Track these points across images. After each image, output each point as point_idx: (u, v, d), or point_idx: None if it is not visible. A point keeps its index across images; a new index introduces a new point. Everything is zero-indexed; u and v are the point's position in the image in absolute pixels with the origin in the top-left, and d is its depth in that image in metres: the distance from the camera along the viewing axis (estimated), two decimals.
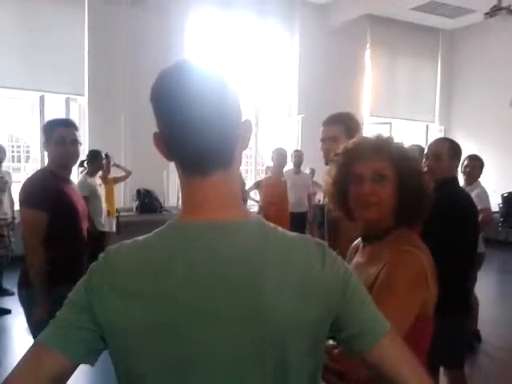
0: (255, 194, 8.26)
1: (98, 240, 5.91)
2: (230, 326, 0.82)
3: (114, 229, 6.46)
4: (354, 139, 1.54)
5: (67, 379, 0.87)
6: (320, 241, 0.91)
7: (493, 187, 9.37)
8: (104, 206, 5.88)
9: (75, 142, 2.64)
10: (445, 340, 2.28)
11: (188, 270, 0.82)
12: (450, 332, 2.36)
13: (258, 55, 9.16)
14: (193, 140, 0.84)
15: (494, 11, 6.92)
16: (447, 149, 2.81)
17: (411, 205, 1.41)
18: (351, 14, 9.04)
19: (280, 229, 0.90)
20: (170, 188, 7.99)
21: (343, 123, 2.35)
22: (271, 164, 8.61)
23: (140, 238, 0.88)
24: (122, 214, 7.12)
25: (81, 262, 2.69)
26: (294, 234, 0.91)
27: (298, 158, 7.13)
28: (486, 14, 7.06)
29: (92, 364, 0.88)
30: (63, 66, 7.48)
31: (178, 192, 7.87)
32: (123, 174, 6.86)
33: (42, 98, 7.47)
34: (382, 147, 1.43)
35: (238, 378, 0.83)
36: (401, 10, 9.46)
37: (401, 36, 10.24)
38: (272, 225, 0.90)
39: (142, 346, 0.82)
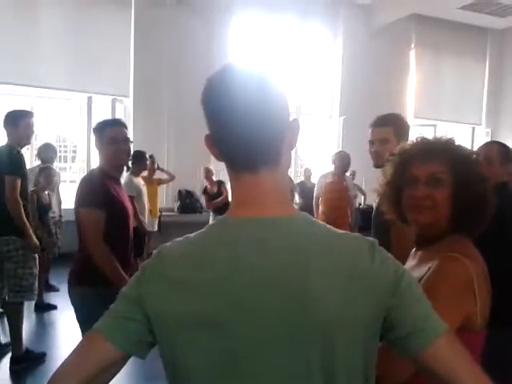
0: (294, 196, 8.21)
1: (141, 239, 6.03)
2: (272, 323, 0.81)
3: (156, 228, 6.59)
4: (413, 140, 1.48)
5: (116, 370, 0.89)
6: (370, 238, 0.89)
7: None
8: (147, 205, 6.00)
9: (127, 141, 2.69)
10: (492, 353, 2.17)
11: (232, 263, 0.83)
12: (498, 344, 2.25)
13: (300, 56, 9.13)
14: (238, 139, 0.87)
15: None
16: (497, 152, 2.71)
17: (468, 212, 1.33)
18: (396, 14, 8.88)
19: (328, 226, 0.90)
20: None
21: (393, 125, 2.31)
22: (308, 166, 8.58)
23: (192, 234, 0.92)
24: (163, 213, 7.25)
25: (129, 261, 2.74)
26: (342, 231, 0.90)
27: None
28: None
29: (142, 357, 0.90)
30: (110, 68, 7.69)
31: None
32: (167, 176, 6.98)
33: (89, 99, 7.69)
34: (442, 150, 1.37)
35: (283, 381, 0.82)
36: (447, 10, 9.22)
37: (447, 36, 9.96)
38: (320, 222, 0.90)
39: (187, 339, 0.84)
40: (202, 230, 0.91)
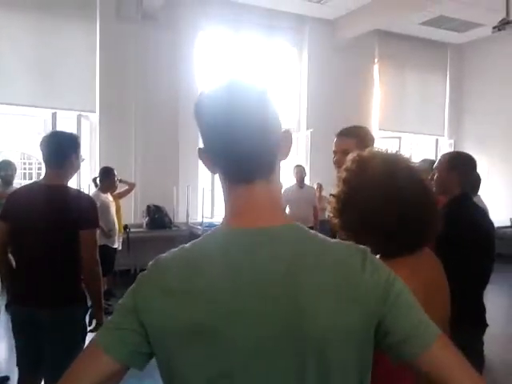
0: None
1: (110, 256, 5.93)
2: (264, 335, 0.82)
3: (120, 246, 6.47)
4: (365, 151, 1.46)
5: (116, 382, 0.89)
6: (362, 246, 0.91)
7: (504, 201, 9.30)
8: (116, 222, 5.91)
9: None
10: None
11: (227, 272, 0.85)
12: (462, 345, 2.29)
13: (267, 70, 9.22)
14: (237, 152, 0.88)
15: (503, 25, 6.90)
16: (445, 162, 2.75)
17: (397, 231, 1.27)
18: (360, 30, 9.09)
19: (320, 235, 0.92)
20: (180, 204, 8.01)
21: (356, 137, 2.36)
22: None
23: (187, 244, 0.93)
24: (132, 230, 7.14)
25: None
26: (334, 240, 0.92)
27: (300, 174, 7.26)
28: (495, 27, 7.05)
29: (140, 368, 0.90)
30: (75, 83, 7.57)
31: (188, 208, 7.89)
32: (125, 188, 6.85)
33: (54, 115, 7.55)
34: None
35: None
36: (409, 25, 9.50)
37: (409, 50, 10.25)
38: (311, 231, 0.92)
39: (181, 349, 0.84)
40: (198, 239, 0.93)
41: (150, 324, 0.86)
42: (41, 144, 2.65)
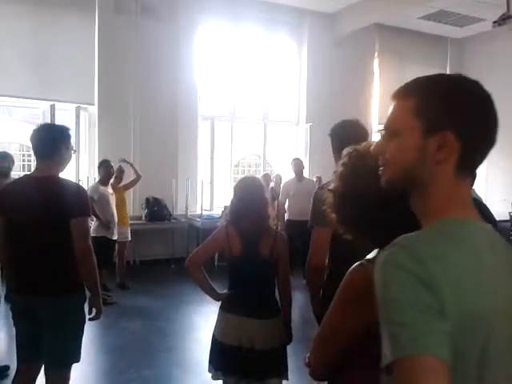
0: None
1: (109, 248, 5.94)
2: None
3: (129, 237, 6.55)
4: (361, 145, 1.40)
5: None
6: None
7: (503, 196, 9.32)
8: (115, 214, 5.92)
9: None
10: None
11: (498, 264, 0.93)
12: None
13: (266, 64, 9.21)
14: (487, 147, 0.97)
15: (503, 19, 6.90)
16: None
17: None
18: (359, 23, 9.06)
19: None
20: (179, 196, 8.02)
21: (332, 136, 2.46)
22: (279, 172, 8.66)
23: (423, 232, 0.94)
24: (131, 222, 7.16)
25: None
26: None
27: (298, 166, 7.27)
28: (495, 22, 7.04)
29: None
30: (74, 76, 7.56)
31: (187, 200, 7.91)
32: (131, 179, 6.86)
33: (52, 107, 7.54)
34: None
35: None
36: (409, 19, 9.47)
37: (409, 44, 10.23)
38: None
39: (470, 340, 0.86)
40: (434, 229, 0.92)
41: (454, 319, 0.82)
42: (31, 137, 2.67)
